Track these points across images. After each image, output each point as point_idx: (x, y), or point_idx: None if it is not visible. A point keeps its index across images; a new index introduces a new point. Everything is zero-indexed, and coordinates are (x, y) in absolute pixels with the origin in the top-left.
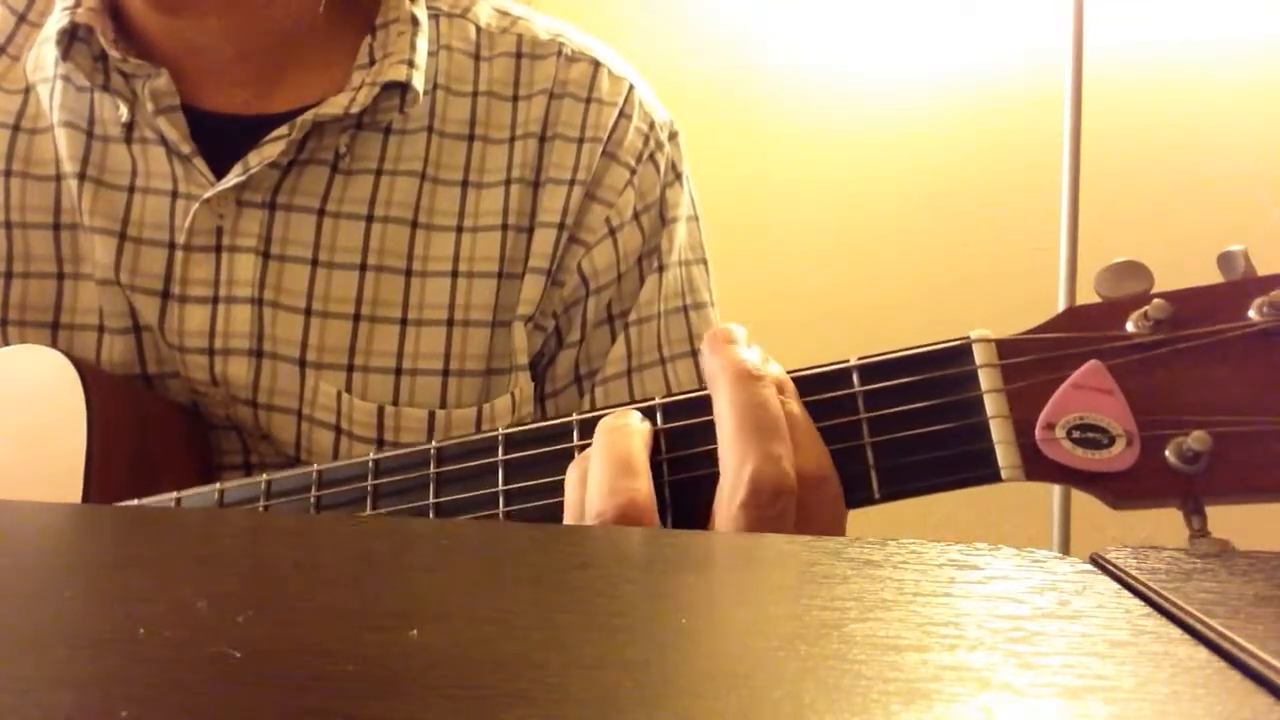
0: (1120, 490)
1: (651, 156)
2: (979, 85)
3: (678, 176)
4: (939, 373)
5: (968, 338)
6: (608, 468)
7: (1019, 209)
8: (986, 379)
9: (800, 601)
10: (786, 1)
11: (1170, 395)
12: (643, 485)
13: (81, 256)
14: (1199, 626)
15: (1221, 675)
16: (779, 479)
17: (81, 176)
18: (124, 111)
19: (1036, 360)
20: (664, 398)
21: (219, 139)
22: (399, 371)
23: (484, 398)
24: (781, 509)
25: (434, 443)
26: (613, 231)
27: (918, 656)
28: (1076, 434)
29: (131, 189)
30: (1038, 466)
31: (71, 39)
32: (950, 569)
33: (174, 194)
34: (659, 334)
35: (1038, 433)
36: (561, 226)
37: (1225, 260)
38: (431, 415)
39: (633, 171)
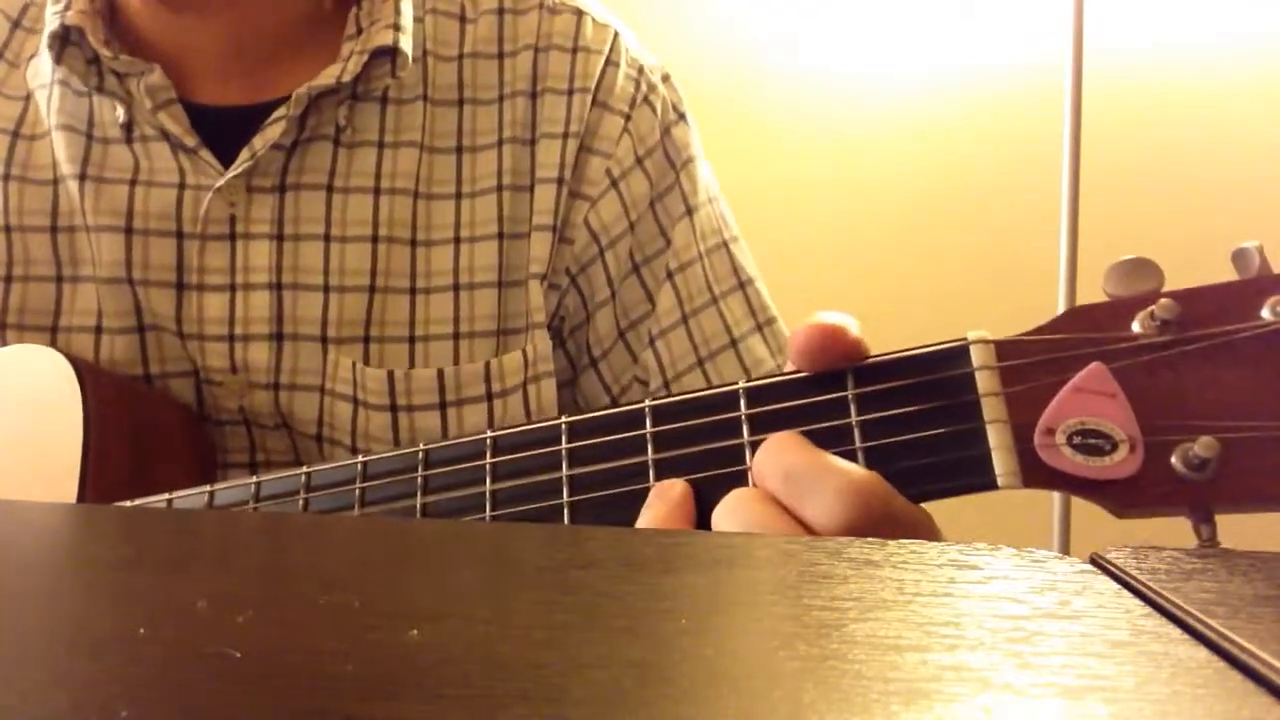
0: (1123, 499)
1: (646, 99)
2: (979, 85)
3: (681, 116)
4: (934, 375)
5: (965, 339)
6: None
7: (1019, 209)
8: (984, 382)
9: (800, 601)
10: (787, 2)
11: (1177, 399)
12: None
13: (80, 259)
14: (1199, 626)
15: (1221, 675)
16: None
17: (82, 177)
18: (120, 112)
19: (1037, 362)
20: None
21: (217, 131)
22: (412, 339)
23: (494, 355)
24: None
25: (422, 445)
26: (615, 183)
27: (918, 656)
28: (1077, 440)
29: (133, 183)
30: (1036, 474)
31: (63, 42)
32: (950, 569)
33: (181, 185)
34: (705, 275)
35: (1037, 439)
36: (560, 181)
37: (1240, 257)
38: (440, 374)
39: (627, 118)
